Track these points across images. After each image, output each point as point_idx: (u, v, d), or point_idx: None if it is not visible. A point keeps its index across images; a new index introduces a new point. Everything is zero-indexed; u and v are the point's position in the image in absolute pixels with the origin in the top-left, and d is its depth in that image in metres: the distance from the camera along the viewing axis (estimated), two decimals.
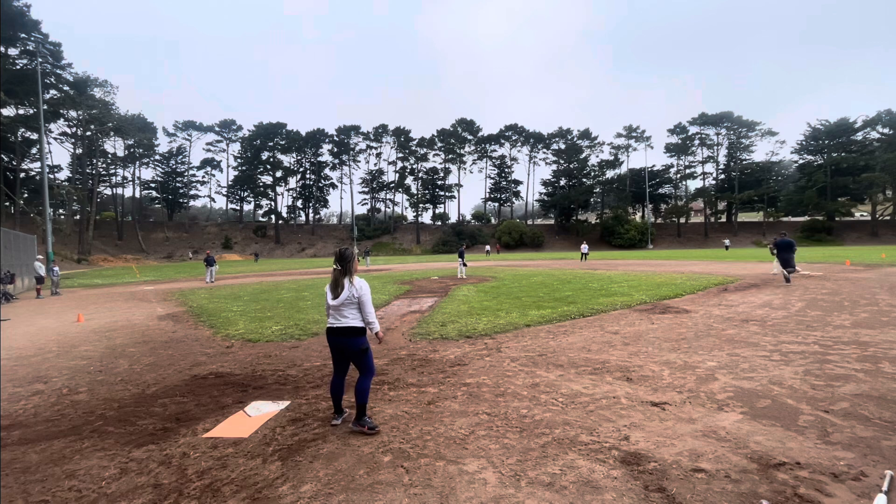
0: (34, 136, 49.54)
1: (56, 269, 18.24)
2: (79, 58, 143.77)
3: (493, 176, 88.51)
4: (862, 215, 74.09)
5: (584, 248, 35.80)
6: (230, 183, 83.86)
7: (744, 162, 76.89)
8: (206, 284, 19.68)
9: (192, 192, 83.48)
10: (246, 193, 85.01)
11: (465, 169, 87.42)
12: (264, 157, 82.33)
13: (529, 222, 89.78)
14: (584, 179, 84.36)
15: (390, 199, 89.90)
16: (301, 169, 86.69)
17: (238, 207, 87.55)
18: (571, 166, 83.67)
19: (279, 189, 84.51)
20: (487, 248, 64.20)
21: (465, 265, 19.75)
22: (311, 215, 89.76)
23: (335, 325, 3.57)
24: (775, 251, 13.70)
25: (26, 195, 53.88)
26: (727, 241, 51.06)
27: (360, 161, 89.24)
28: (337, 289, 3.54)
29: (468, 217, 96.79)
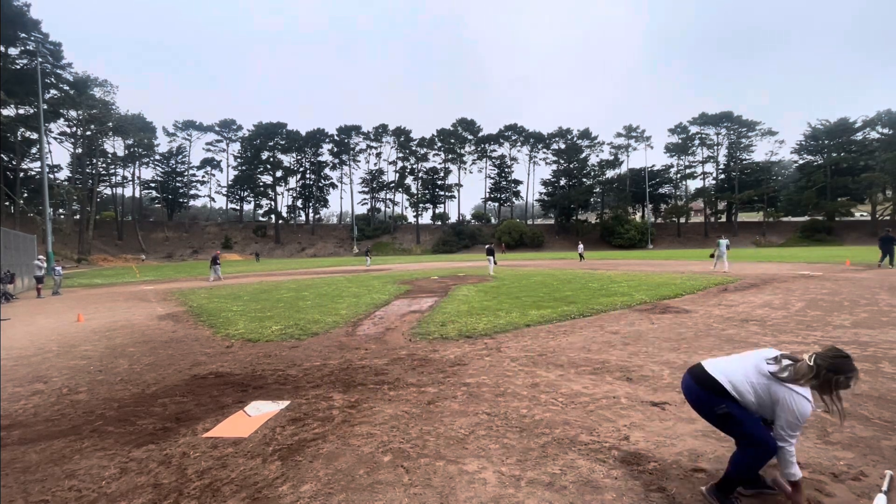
0: (34, 136, 49.55)
1: (59, 269, 18.21)
2: (79, 57, 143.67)
3: (493, 176, 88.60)
4: (862, 215, 74.09)
5: (581, 247, 36.87)
6: (230, 183, 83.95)
7: (744, 162, 76.96)
8: (210, 283, 20.10)
9: (192, 192, 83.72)
10: (246, 193, 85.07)
11: (465, 169, 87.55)
12: (264, 157, 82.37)
13: (529, 222, 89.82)
14: (584, 179, 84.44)
15: (390, 199, 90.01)
16: (301, 169, 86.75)
17: (238, 207, 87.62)
18: (571, 166, 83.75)
19: (279, 189, 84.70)
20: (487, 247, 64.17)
21: (495, 262, 21.63)
22: (311, 215, 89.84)
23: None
24: (881, 245, 17.27)
25: (26, 195, 53.89)
26: (727, 241, 51.15)
27: (360, 161, 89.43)
28: None
29: (468, 217, 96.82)
